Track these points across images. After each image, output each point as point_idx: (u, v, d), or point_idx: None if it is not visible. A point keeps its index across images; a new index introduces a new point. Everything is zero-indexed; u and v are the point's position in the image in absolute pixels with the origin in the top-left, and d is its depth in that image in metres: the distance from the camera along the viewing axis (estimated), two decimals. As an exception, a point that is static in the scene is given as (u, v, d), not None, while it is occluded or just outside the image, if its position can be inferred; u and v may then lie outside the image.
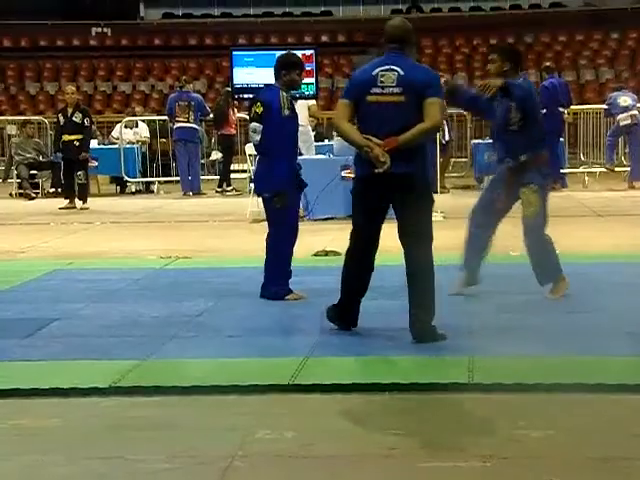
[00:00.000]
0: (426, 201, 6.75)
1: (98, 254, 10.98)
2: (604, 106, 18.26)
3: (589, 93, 27.94)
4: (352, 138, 6.68)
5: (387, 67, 6.61)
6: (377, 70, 6.63)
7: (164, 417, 5.27)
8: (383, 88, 6.56)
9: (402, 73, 6.55)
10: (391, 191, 6.62)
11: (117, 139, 19.48)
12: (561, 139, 17.66)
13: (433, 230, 6.80)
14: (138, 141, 19.53)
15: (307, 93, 13.76)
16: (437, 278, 6.75)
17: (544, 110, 17.37)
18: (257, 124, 7.88)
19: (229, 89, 16.58)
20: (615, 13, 31.96)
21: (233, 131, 18.59)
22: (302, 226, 13.02)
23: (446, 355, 6.28)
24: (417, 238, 6.69)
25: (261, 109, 7.88)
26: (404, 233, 6.71)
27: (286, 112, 7.84)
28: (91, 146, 19.06)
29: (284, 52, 8.41)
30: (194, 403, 5.48)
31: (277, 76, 8.01)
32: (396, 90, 6.54)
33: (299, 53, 13.42)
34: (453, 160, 20.46)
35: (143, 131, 19.82)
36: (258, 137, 7.89)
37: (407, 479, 4.33)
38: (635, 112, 17.50)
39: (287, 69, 7.97)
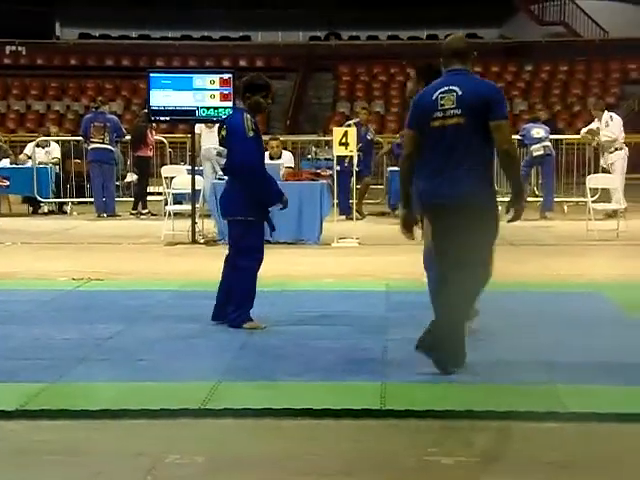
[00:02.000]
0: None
1: (7, 275, 10.79)
2: (518, 137, 18.54)
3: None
4: (402, 193, 6.68)
5: (446, 88, 6.41)
6: (437, 93, 6.42)
7: (72, 441, 5.17)
8: (445, 112, 6.36)
9: (460, 93, 6.34)
10: None
11: (30, 158, 19.22)
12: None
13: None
14: (50, 161, 19.29)
15: (223, 117, 13.71)
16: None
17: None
18: (222, 148, 7.86)
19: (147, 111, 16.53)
20: (529, 46, 32.53)
21: (150, 153, 18.49)
22: (217, 249, 13.01)
23: (358, 381, 6.27)
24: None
25: (224, 132, 7.86)
26: None
27: (250, 133, 7.79)
28: (3, 165, 18.85)
29: (251, 74, 8.33)
30: (103, 427, 5.39)
31: (242, 98, 7.99)
32: (457, 112, 6.32)
33: (217, 77, 13.51)
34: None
35: (54, 151, 19.60)
36: (223, 161, 7.86)
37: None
38: (547, 143, 17.79)
39: (252, 92, 7.94)
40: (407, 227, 6.72)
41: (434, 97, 6.42)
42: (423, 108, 6.49)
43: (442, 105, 6.37)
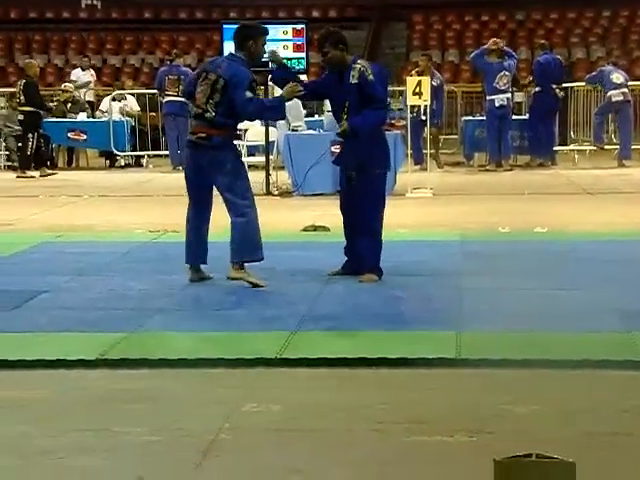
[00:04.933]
0: None
1: (86, 227, 10.95)
2: (592, 74, 18.25)
3: (580, 71, 27.87)
4: None
5: None
6: None
7: (150, 390, 5.26)
8: None
9: None
10: None
11: (106, 112, 19.39)
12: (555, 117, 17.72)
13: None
14: (128, 113, 19.43)
15: (298, 68, 13.70)
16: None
17: (538, 88, 17.49)
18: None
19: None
20: (607, -9, 31.85)
21: None
22: (291, 201, 13.07)
23: (434, 330, 6.28)
24: None
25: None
26: None
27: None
28: (80, 119, 19.05)
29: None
30: (180, 376, 5.47)
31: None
32: None
33: (290, 27, 13.48)
34: (443, 137, 20.44)
35: (132, 104, 19.72)
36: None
37: (394, 453, 4.33)
38: (626, 90, 17.47)
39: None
40: None
41: None
42: None
43: None
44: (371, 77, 7.65)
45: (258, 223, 7.63)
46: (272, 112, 8.14)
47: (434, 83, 17.30)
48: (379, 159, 7.81)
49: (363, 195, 7.72)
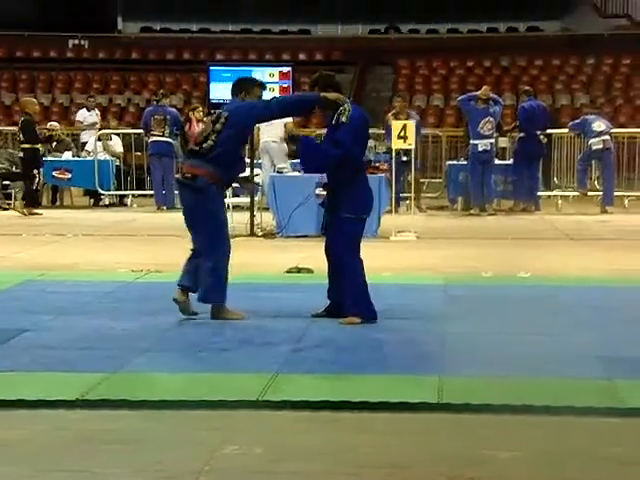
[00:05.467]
0: None
1: (70, 266, 10.93)
2: (575, 121, 18.38)
3: (564, 118, 28.09)
4: None
5: None
6: None
7: (131, 431, 5.24)
8: None
9: None
10: None
11: (91, 151, 19.41)
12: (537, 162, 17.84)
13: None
14: (112, 153, 19.45)
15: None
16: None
17: (522, 133, 17.61)
18: None
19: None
20: (591, 39, 32.18)
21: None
22: (275, 242, 13.09)
23: (416, 374, 6.28)
24: None
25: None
26: None
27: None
28: (65, 158, 19.07)
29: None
30: (162, 418, 5.45)
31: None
32: None
33: (276, 70, 13.56)
34: (427, 180, 20.53)
35: (117, 145, 19.76)
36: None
37: (374, 498, 4.32)
38: (607, 137, 17.60)
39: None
40: None
41: None
42: None
43: None
44: (343, 119, 7.72)
45: (226, 270, 7.77)
46: (302, 106, 8.29)
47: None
48: (352, 203, 7.80)
49: (336, 237, 7.78)
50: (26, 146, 17.33)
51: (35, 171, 17.24)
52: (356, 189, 7.85)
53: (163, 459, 4.77)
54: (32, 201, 17.34)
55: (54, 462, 4.75)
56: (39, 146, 17.65)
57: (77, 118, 22.30)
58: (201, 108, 17.77)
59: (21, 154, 17.55)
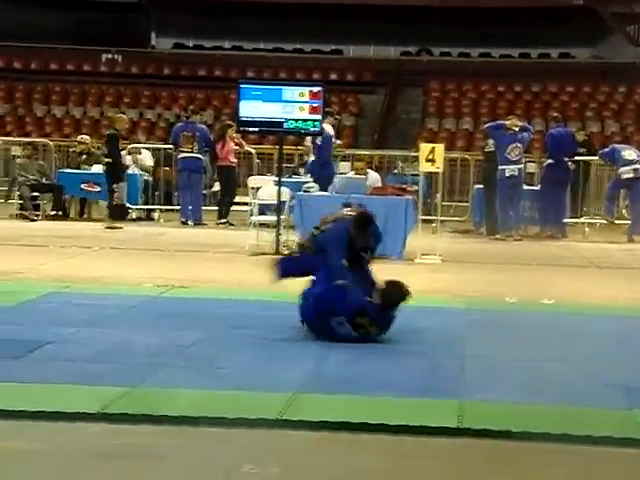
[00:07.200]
0: None
1: (95, 279, 10.98)
2: (605, 150, 18.34)
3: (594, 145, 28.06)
4: None
5: None
6: None
7: (150, 447, 5.25)
8: None
9: None
10: None
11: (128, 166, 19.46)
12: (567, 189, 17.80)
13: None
14: (142, 167, 19.52)
15: (312, 129, 13.82)
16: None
17: (550, 159, 17.59)
18: None
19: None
20: (623, 67, 32.14)
21: (228, 162, 18.31)
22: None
23: (436, 398, 6.27)
24: None
25: None
26: None
27: None
28: (94, 171, 19.17)
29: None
30: (181, 434, 5.46)
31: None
32: None
33: (307, 89, 13.61)
34: (454, 204, 20.52)
35: (147, 159, 19.84)
36: None
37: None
38: (637, 166, 17.51)
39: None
40: None
41: None
42: None
43: None
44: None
45: None
46: None
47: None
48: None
49: None
50: (108, 160, 17.40)
51: (115, 186, 17.27)
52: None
53: (180, 476, 4.78)
54: (113, 215, 17.37)
55: (72, 476, 4.77)
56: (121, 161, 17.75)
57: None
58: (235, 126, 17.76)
59: (104, 167, 17.70)
